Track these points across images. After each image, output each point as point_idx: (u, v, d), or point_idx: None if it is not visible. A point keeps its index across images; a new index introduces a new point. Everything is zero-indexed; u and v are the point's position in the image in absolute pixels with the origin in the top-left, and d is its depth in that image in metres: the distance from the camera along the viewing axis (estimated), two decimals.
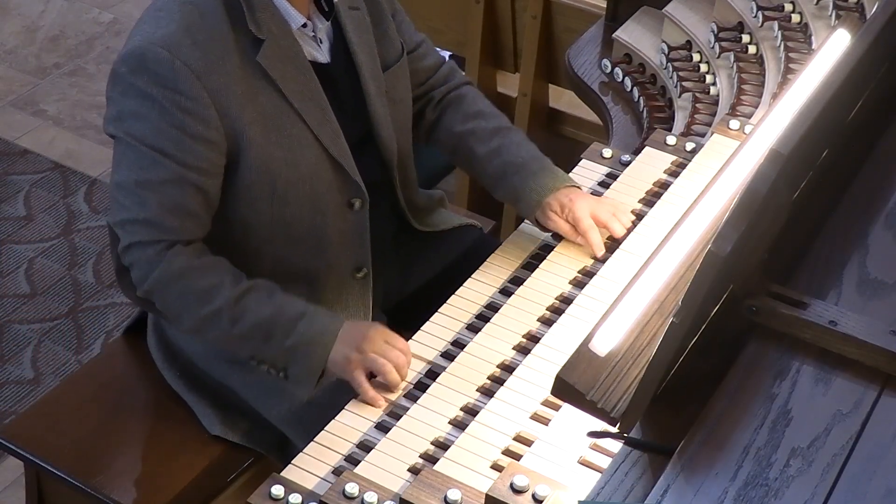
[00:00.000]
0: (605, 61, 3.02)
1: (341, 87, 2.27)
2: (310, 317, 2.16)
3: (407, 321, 2.27)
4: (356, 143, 2.28)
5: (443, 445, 1.97)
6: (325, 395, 2.25)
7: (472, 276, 2.30)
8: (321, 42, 2.25)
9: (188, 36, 2.08)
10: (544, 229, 2.38)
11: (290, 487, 1.90)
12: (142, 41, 2.09)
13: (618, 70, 2.98)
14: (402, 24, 2.43)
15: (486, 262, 2.33)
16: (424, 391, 2.07)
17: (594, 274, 2.28)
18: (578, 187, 2.39)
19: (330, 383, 2.25)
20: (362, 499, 1.85)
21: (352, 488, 1.85)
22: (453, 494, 1.81)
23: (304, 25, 2.20)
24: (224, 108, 2.11)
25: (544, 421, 2.00)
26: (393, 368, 2.08)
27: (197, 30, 2.09)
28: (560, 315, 2.20)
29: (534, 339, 2.16)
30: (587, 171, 2.55)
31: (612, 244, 2.35)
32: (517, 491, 1.72)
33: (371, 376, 2.11)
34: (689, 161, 2.52)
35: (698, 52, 2.89)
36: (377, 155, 2.34)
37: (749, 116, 2.62)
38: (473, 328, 2.20)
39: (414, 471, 1.93)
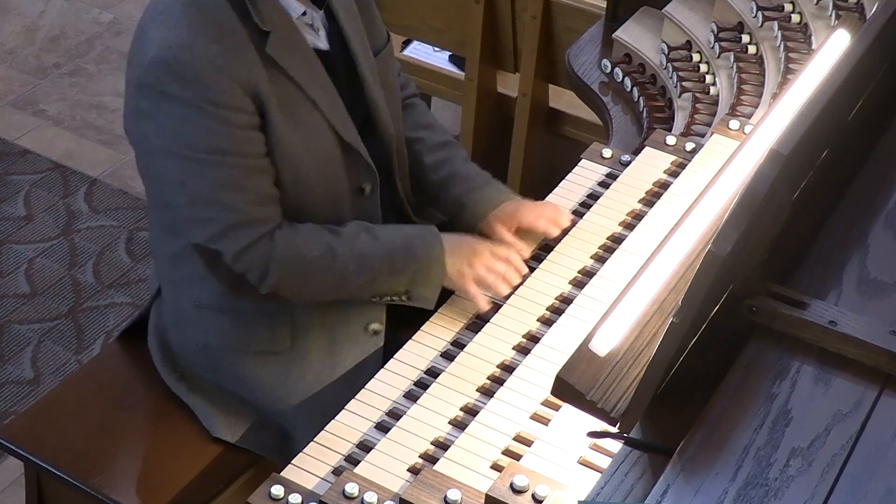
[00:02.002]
0: (605, 61, 3.02)
1: (340, 74, 2.30)
2: (416, 238, 2.26)
3: (411, 321, 2.28)
4: (357, 130, 2.30)
5: (443, 445, 1.97)
6: (328, 392, 2.27)
7: None
8: (318, 30, 2.27)
9: (201, 33, 2.09)
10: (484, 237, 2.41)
11: (290, 487, 1.90)
12: (159, 49, 2.08)
13: (618, 70, 2.98)
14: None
15: None
16: (424, 391, 2.07)
17: (594, 274, 2.29)
18: (520, 197, 2.44)
19: (333, 380, 2.27)
20: (362, 499, 1.85)
21: (352, 488, 1.85)
22: (453, 494, 1.81)
23: (304, 14, 2.22)
24: (254, 94, 2.12)
25: (544, 421, 2.00)
26: (502, 283, 2.23)
27: (207, 26, 2.09)
28: (560, 315, 2.20)
29: (534, 339, 2.16)
30: (587, 171, 2.55)
31: (612, 244, 2.35)
32: (517, 491, 1.72)
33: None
34: (689, 161, 2.52)
35: (698, 52, 2.89)
36: (377, 140, 2.37)
37: (749, 116, 2.62)
38: (473, 328, 2.20)
39: (414, 471, 1.93)
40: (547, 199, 2.47)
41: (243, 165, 2.12)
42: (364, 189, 2.32)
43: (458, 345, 2.16)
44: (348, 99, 2.29)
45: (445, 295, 2.28)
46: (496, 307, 2.23)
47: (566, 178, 2.53)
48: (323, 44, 2.27)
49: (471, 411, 2.03)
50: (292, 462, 1.96)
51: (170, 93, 2.08)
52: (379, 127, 2.36)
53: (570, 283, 2.28)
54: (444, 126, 2.59)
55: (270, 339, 2.31)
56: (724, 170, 2.07)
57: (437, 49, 4.00)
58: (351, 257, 2.21)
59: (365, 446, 1.98)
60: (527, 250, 2.35)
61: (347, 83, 2.31)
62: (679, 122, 2.75)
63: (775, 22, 2.80)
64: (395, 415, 2.03)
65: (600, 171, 2.55)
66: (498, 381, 2.08)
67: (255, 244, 2.16)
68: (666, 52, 2.91)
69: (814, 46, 2.70)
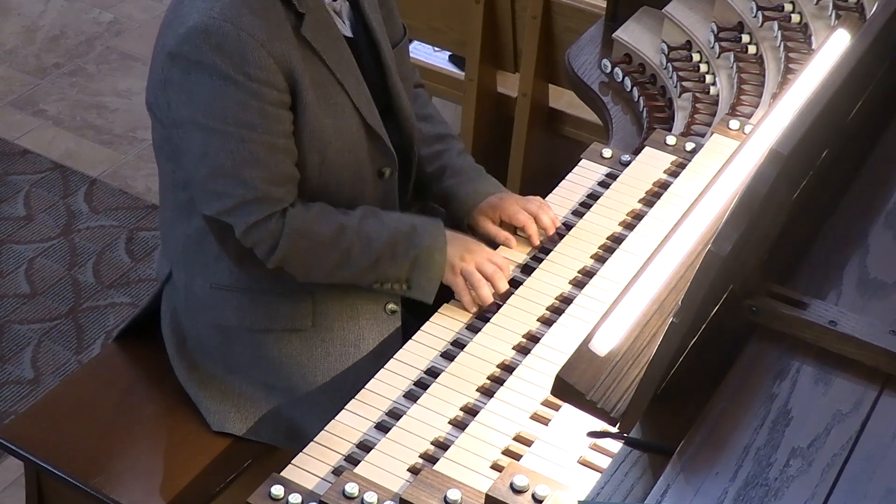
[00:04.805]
0: (605, 61, 3.02)
1: (365, 62, 2.32)
2: (420, 227, 2.29)
3: (421, 313, 2.29)
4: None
5: (443, 445, 1.97)
6: (350, 372, 2.30)
7: None
8: (344, 20, 2.30)
9: (245, 6, 2.10)
10: (473, 231, 2.45)
11: (290, 487, 1.90)
12: (201, 18, 2.09)
13: (618, 70, 2.98)
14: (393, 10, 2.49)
15: None
16: (424, 391, 2.07)
17: (594, 274, 2.29)
18: (508, 191, 2.48)
19: (344, 369, 2.29)
20: (362, 499, 1.85)
21: (352, 488, 1.85)
22: (453, 494, 1.81)
23: (335, 0, 2.25)
24: (288, 72, 2.14)
25: (544, 421, 2.00)
26: (486, 284, 2.24)
27: (251, 0, 2.11)
28: (560, 315, 2.20)
29: (534, 339, 2.16)
30: (587, 171, 2.55)
31: (612, 244, 2.36)
32: (517, 491, 1.72)
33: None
34: (689, 161, 2.52)
35: (698, 52, 2.89)
36: (398, 128, 2.39)
37: (749, 116, 2.62)
38: (473, 328, 2.20)
39: (414, 471, 1.93)
40: (547, 198, 2.47)
41: (268, 143, 2.14)
42: (384, 173, 2.34)
43: (458, 345, 2.16)
44: (372, 86, 2.31)
45: (447, 294, 2.28)
46: (496, 307, 2.23)
47: (566, 178, 2.53)
48: (347, 31, 2.30)
49: (471, 411, 2.03)
50: (292, 462, 1.96)
51: (205, 62, 2.09)
52: (401, 115, 2.39)
53: (570, 283, 2.28)
54: (443, 117, 2.61)
55: (291, 316, 2.32)
56: (724, 170, 2.07)
57: (437, 49, 4.00)
58: (357, 239, 2.24)
59: (365, 446, 1.98)
60: (513, 241, 2.37)
61: (371, 70, 2.34)
62: (679, 122, 2.75)
63: (775, 22, 2.81)
64: (395, 415, 2.03)
65: (600, 171, 2.55)
66: (498, 381, 2.08)
67: (265, 220, 2.18)
68: (666, 52, 2.91)
69: (814, 46, 2.70)
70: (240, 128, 2.12)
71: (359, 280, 2.30)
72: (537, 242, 2.38)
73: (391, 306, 2.34)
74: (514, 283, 2.28)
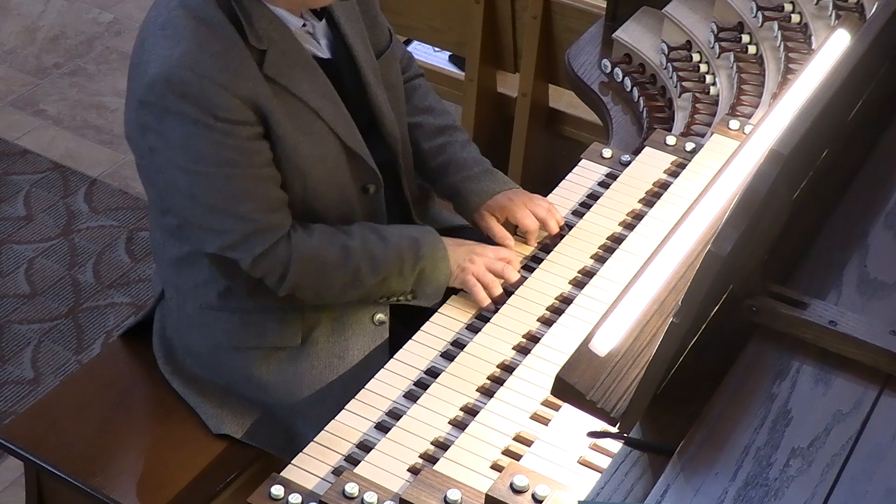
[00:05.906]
0: (605, 61, 3.02)
1: (345, 80, 2.30)
2: (421, 238, 2.30)
3: (409, 321, 2.29)
4: (361, 133, 2.31)
5: (443, 445, 1.97)
6: (336, 385, 2.29)
7: None
8: (319, 40, 2.27)
9: (203, 50, 2.07)
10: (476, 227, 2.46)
11: (290, 487, 1.90)
12: (161, 66, 2.07)
13: (618, 70, 2.98)
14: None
15: None
16: (424, 391, 2.07)
17: (594, 274, 2.29)
18: (517, 187, 2.46)
19: (342, 372, 2.29)
20: (362, 499, 1.85)
21: (352, 488, 1.85)
22: (453, 494, 1.81)
23: (304, 24, 2.21)
24: (256, 108, 2.12)
25: (544, 421, 2.00)
26: (498, 284, 2.26)
27: (210, 43, 2.08)
28: (560, 315, 2.20)
29: (534, 339, 2.16)
30: (587, 171, 2.55)
31: (612, 244, 2.36)
32: (517, 491, 1.72)
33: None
34: (689, 161, 2.52)
35: (698, 52, 2.89)
36: (382, 143, 2.37)
37: (749, 116, 2.62)
38: (473, 328, 2.20)
39: (414, 471, 1.93)
40: (547, 199, 2.46)
41: (252, 175, 2.13)
42: (368, 189, 2.33)
43: (458, 345, 2.16)
44: (354, 104, 2.29)
45: (446, 294, 2.28)
46: (496, 307, 2.23)
47: (566, 178, 2.53)
48: (324, 53, 2.27)
49: (471, 411, 2.03)
50: (292, 462, 1.96)
51: (174, 109, 2.07)
52: (383, 130, 2.36)
53: (570, 283, 2.28)
54: (445, 107, 2.58)
55: (280, 334, 2.32)
56: (724, 170, 2.07)
57: (437, 49, 4.00)
58: (363, 258, 2.24)
59: (365, 446, 1.98)
60: (511, 242, 2.38)
61: (352, 88, 2.31)
62: (679, 122, 2.75)
63: (775, 22, 2.81)
64: (395, 415, 2.03)
65: (600, 171, 2.55)
66: (498, 381, 2.08)
67: (271, 249, 2.17)
68: (666, 52, 2.91)
69: (814, 46, 2.70)
70: (222, 166, 2.11)
71: (366, 298, 2.30)
72: (535, 245, 2.38)
73: (379, 317, 2.33)
74: (515, 283, 2.28)
